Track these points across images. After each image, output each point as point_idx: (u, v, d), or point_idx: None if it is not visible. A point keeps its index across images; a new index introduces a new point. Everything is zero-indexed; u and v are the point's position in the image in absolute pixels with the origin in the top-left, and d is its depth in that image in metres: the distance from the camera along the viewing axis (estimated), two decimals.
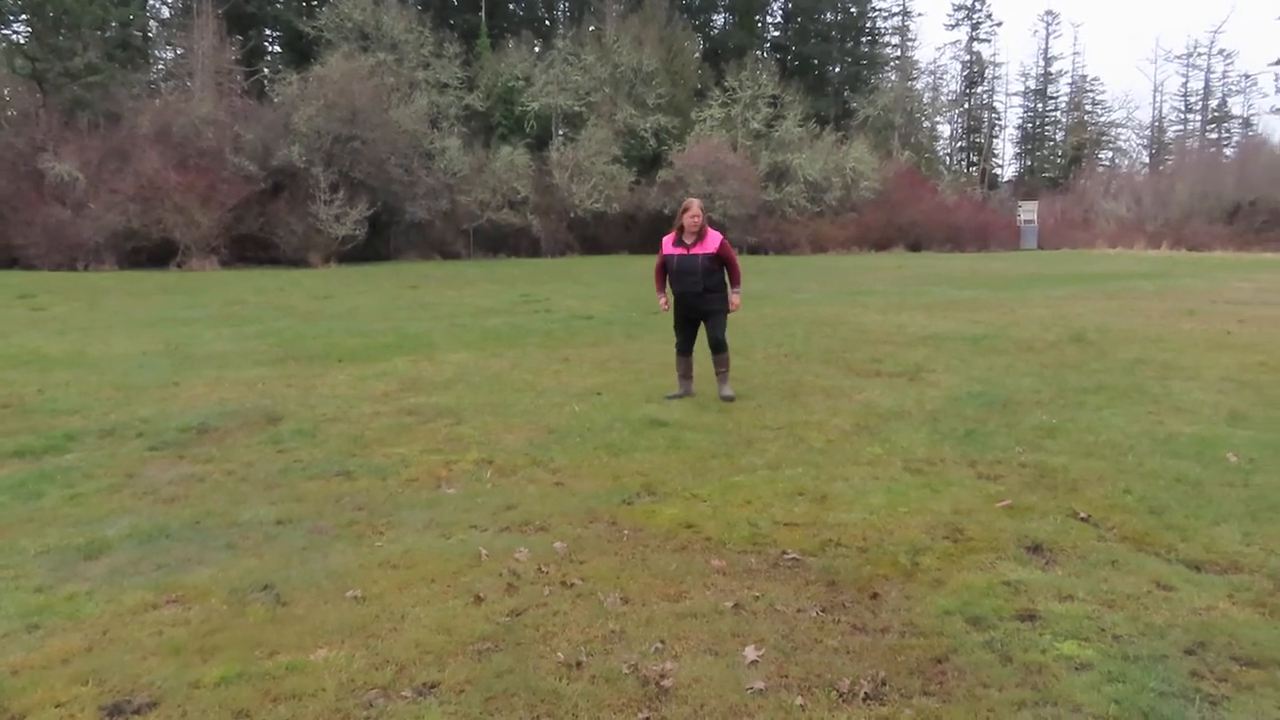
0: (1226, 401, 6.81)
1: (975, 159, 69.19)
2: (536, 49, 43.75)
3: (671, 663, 2.87)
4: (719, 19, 59.33)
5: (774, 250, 40.18)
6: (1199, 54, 65.16)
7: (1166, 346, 9.78)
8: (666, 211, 39.69)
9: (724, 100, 44.51)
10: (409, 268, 28.37)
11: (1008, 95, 73.87)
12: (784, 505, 4.46)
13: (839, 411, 6.59)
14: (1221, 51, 74.00)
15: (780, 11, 61.64)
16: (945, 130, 70.18)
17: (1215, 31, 79.69)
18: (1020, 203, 49.50)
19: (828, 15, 61.40)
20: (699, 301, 7.11)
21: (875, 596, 3.39)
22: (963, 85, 69.34)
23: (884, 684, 2.74)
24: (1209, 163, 50.38)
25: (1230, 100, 64.89)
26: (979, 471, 5.03)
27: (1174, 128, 66.85)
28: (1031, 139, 70.45)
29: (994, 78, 70.40)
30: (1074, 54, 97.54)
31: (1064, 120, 69.30)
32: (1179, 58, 66.59)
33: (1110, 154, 67.25)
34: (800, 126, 44.50)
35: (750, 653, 2.94)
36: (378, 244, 31.77)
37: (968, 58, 68.76)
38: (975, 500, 4.51)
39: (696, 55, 52.11)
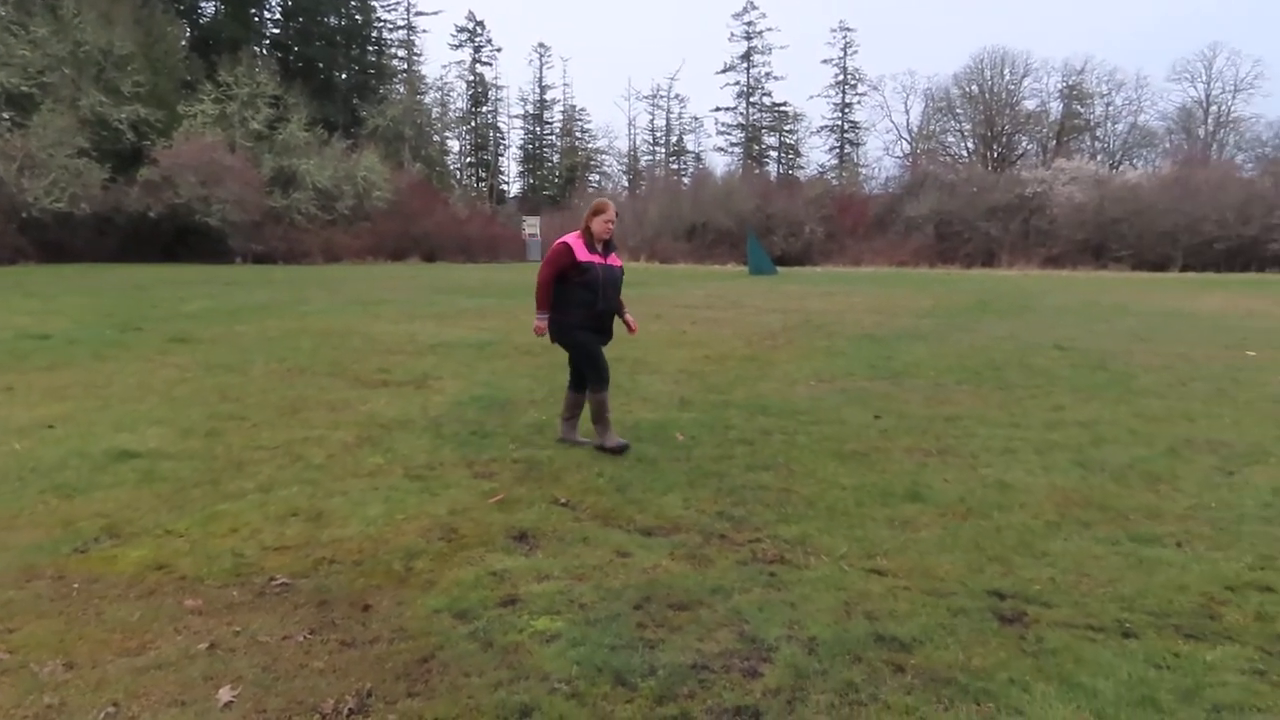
0: (679, 390, 8.08)
1: (484, 175, 72.95)
2: None
3: None
4: (209, 7, 54.34)
5: (283, 259, 37.97)
6: (661, 96, 76.61)
7: (639, 345, 11.24)
8: (152, 215, 35.24)
9: (218, 96, 40.87)
10: None
11: (510, 117, 79.21)
12: (275, 528, 4.21)
13: (341, 425, 6.42)
14: (677, 96, 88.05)
15: (279, 8, 58.35)
16: (455, 146, 72.91)
17: (672, 79, 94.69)
18: (525, 218, 53.36)
19: (331, 19, 59.80)
20: (611, 324, 5.94)
21: (367, 608, 3.36)
22: (469, 104, 72.61)
23: (369, 695, 2.73)
24: (672, 189, 59.46)
25: (685, 138, 77.37)
26: (476, 471, 5.28)
27: (645, 157, 77.69)
28: (533, 159, 76.43)
29: (497, 99, 74.94)
30: (565, 85, 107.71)
31: (559, 144, 76.37)
32: (646, 98, 77.74)
33: (598, 177, 75.76)
34: (307, 131, 42.70)
35: (225, 694, 2.72)
36: None
37: (472, 78, 72.19)
38: (471, 499, 4.72)
39: (183, 44, 47.05)
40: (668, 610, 3.35)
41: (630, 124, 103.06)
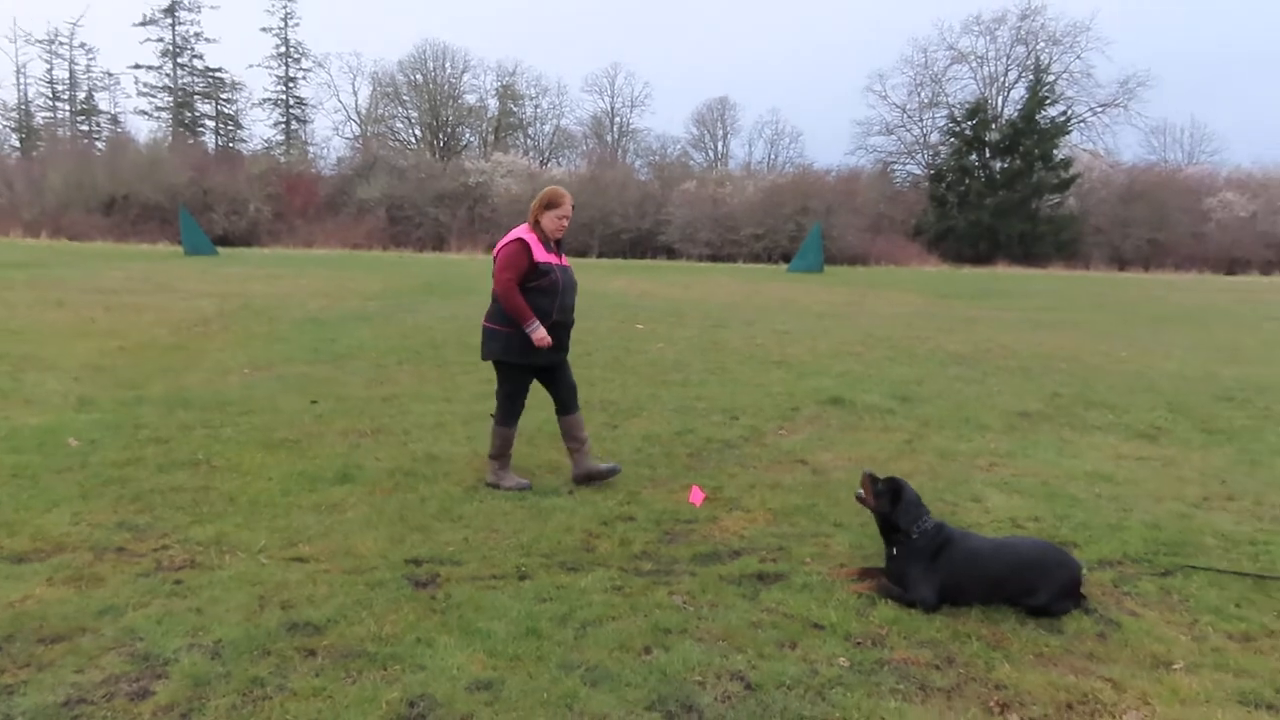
0: (79, 388, 6.95)
1: None
2: None
3: None
4: None
5: None
6: (61, 43, 64.33)
7: (29, 338, 9.42)
8: None
9: None
10: None
11: None
12: None
13: None
14: (84, 45, 74.28)
15: None
16: None
17: (75, 24, 79.64)
18: None
19: None
20: (568, 339, 4.99)
21: None
22: None
23: None
24: (82, 154, 50.55)
25: (97, 95, 66.15)
26: None
27: (43, 114, 64.65)
28: None
29: None
30: None
31: None
32: (41, 42, 64.42)
33: None
34: None
35: None
36: None
37: None
38: None
39: None
40: (37, 646, 2.87)
41: (19, 71, 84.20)
